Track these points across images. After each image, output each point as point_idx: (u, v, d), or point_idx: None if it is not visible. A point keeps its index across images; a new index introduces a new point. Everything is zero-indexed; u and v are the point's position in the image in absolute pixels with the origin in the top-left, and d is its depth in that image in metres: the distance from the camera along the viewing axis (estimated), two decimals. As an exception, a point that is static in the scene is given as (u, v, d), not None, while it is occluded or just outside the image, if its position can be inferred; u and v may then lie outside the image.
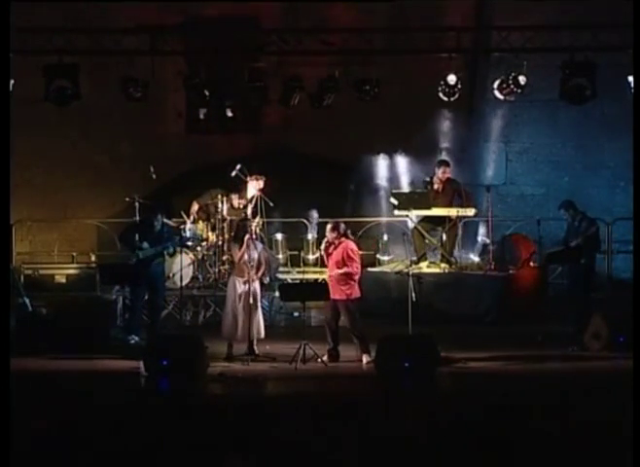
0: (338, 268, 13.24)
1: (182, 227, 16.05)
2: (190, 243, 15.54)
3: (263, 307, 14.86)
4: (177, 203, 17.06)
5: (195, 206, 16.34)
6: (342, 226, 13.47)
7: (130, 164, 18.35)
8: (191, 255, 15.89)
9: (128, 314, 14.47)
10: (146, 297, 14.42)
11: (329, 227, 13.50)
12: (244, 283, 13.39)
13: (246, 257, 13.41)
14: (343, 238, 13.38)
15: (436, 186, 16.34)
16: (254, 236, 13.88)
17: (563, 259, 14.94)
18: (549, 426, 10.08)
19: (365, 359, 13.21)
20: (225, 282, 14.38)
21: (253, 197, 16.28)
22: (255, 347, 13.44)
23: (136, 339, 14.07)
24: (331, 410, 10.72)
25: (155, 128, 18.77)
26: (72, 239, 18.23)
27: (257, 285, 13.46)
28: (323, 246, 13.54)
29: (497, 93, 16.20)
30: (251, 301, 13.31)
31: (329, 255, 13.39)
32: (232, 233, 14.67)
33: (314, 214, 17.46)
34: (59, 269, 16.18)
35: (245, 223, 13.93)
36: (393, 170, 18.09)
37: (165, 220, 14.96)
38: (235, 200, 16.30)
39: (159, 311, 14.57)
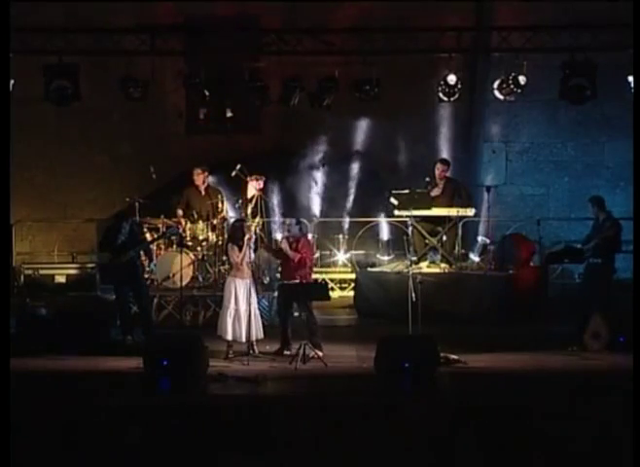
0: (298, 259, 13.54)
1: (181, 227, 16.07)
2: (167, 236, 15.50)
3: (263, 307, 14.89)
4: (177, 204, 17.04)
5: (180, 211, 16.34)
6: (304, 224, 13.94)
7: (130, 164, 18.35)
8: (191, 255, 15.89)
9: (119, 316, 14.41)
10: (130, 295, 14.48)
11: (290, 221, 13.87)
12: (243, 284, 13.40)
13: (247, 258, 13.43)
14: (301, 234, 13.76)
15: (438, 190, 16.33)
16: (254, 237, 13.89)
17: (563, 259, 14.94)
18: (549, 426, 10.09)
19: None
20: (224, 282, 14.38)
21: (253, 197, 16.27)
22: (255, 347, 13.44)
23: (130, 339, 14.07)
24: (331, 410, 10.72)
25: (155, 128, 18.76)
26: (72, 239, 18.22)
27: (254, 285, 13.48)
28: (285, 242, 13.72)
29: (497, 93, 16.20)
30: (251, 300, 13.33)
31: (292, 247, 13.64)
32: (228, 234, 14.69)
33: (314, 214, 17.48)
34: (59, 269, 16.15)
35: (242, 223, 13.94)
36: (393, 170, 18.10)
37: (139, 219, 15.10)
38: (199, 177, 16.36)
39: (148, 309, 14.52)
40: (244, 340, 13.32)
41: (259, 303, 14.15)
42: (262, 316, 13.90)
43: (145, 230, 15.44)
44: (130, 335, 14.12)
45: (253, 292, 13.42)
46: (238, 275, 13.47)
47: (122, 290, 14.28)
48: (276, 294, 14.71)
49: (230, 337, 13.35)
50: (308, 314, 13.50)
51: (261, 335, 13.47)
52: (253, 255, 13.56)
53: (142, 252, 14.48)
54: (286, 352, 13.47)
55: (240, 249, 13.43)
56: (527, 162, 18.38)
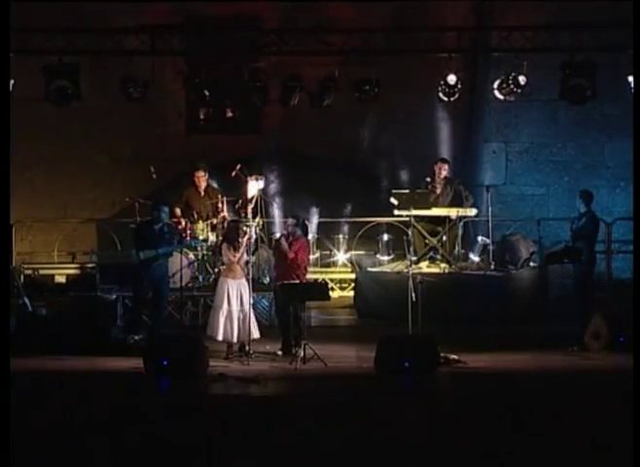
0: (292, 259, 13.58)
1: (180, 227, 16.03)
2: (192, 245, 15.45)
3: (263, 307, 14.89)
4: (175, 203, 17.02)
5: (177, 211, 16.32)
6: (300, 222, 13.97)
7: (130, 164, 18.35)
8: (191, 255, 15.88)
9: (128, 314, 14.45)
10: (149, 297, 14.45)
11: (291, 221, 13.88)
12: (235, 284, 13.39)
13: (244, 258, 13.43)
14: (300, 234, 13.77)
15: (438, 190, 16.33)
16: (254, 237, 13.89)
17: (563, 259, 14.94)
18: (549, 426, 10.08)
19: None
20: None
21: (253, 198, 16.27)
22: (249, 347, 13.38)
23: (135, 338, 14.05)
24: (331, 409, 10.72)
25: (155, 129, 18.77)
26: (72, 239, 18.22)
27: (249, 285, 13.46)
28: (283, 238, 13.77)
29: (497, 93, 16.19)
30: (244, 300, 13.32)
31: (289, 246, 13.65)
32: (223, 234, 14.67)
33: (314, 214, 17.46)
34: (59, 269, 16.14)
35: (237, 224, 13.93)
36: (393, 170, 18.10)
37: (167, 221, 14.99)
38: (202, 181, 16.33)
39: (161, 313, 14.50)
40: (235, 340, 13.31)
41: (259, 303, 14.14)
42: (262, 316, 13.89)
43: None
44: (131, 334, 14.10)
45: (247, 292, 13.40)
46: (230, 276, 13.47)
47: (141, 289, 14.26)
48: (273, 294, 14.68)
49: (220, 337, 13.34)
50: (302, 314, 13.48)
51: (256, 335, 13.44)
52: (252, 256, 13.55)
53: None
54: (283, 352, 13.48)
55: (235, 249, 13.43)
56: (527, 162, 18.39)
